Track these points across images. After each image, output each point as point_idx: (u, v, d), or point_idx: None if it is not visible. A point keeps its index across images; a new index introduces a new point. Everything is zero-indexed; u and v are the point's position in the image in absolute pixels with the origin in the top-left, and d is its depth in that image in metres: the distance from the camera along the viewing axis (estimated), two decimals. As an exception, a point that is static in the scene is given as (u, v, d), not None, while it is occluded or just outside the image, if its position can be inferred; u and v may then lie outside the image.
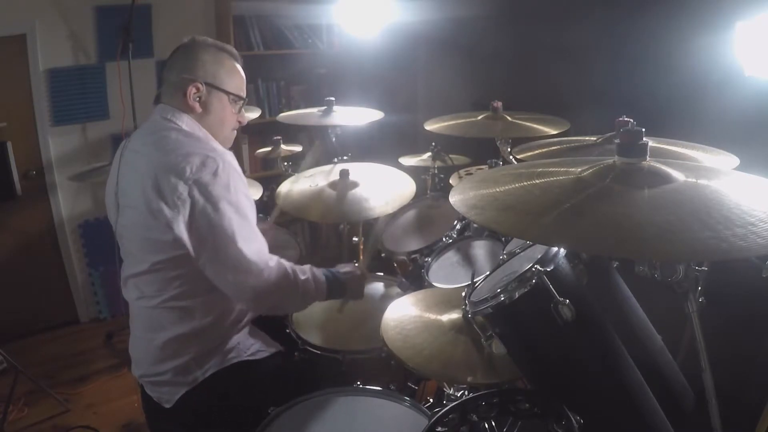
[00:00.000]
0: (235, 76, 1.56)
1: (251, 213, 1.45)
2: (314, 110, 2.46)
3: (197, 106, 1.49)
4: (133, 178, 1.44)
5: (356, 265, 1.73)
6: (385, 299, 1.93)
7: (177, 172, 1.33)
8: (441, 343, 1.35)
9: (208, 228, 1.36)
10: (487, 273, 1.38)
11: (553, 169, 1.07)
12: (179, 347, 1.45)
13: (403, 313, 1.50)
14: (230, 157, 1.44)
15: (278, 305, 1.56)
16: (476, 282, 1.34)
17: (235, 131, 1.63)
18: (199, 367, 1.47)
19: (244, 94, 1.59)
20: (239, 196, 1.40)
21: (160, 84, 1.55)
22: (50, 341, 3.29)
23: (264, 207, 2.36)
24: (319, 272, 1.59)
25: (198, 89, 1.48)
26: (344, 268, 1.68)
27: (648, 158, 0.98)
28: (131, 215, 1.43)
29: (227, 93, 1.53)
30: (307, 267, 1.58)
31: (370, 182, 2.07)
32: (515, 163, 1.65)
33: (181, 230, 1.34)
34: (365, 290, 1.97)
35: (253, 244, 1.42)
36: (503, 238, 1.86)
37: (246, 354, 1.55)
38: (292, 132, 3.33)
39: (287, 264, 1.52)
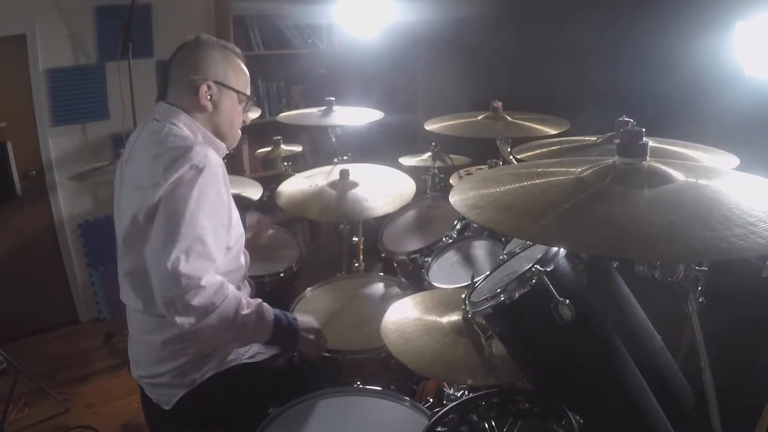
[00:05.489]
0: (242, 75, 1.56)
1: (210, 226, 1.34)
2: (314, 110, 2.46)
3: (209, 105, 1.49)
4: (124, 177, 1.48)
5: (314, 319, 1.61)
6: (385, 299, 1.92)
7: (152, 169, 1.34)
8: (441, 346, 1.35)
9: (158, 223, 1.32)
10: (487, 273, 1.38)
11: (553, 169, 1.07)
12: (176, 349, 1.45)
13: (402, 316, 1.50)
14: (214, 164, 1.38)
15: (210, 333, 1.36)
16: (476, 282, 1.34)
17: (240, 131, 1.62)
18: (196, 370, 1.47)
19: (249, 92, 1.59)
20: (202, 204, 1.33)
21: (164, 80, 1.54)
22: (50, 341, 3.29)
23: (264, 207, 2.36)
24: (270, 311, 1.47)
25: (209, 87, 1.48)
26: (303, 318, 1.56)
27: (648, 158, 0.98)
28: (121, 215, 1.45)
29: (236, 91, 1.53)
30: (256, 301, 1.45)
31: (370, 182, 2.08)
32: (515, 163, 1.65)
33: (142, 218, 1.34)
34: (364, 291, 1.99)
35: (193, 258, 1.29)
36: (503, 238, 1.86)
37: (245, 357, 1.54)
38: (292, 132, 3.33)
39: (234, 292, 1.39)
